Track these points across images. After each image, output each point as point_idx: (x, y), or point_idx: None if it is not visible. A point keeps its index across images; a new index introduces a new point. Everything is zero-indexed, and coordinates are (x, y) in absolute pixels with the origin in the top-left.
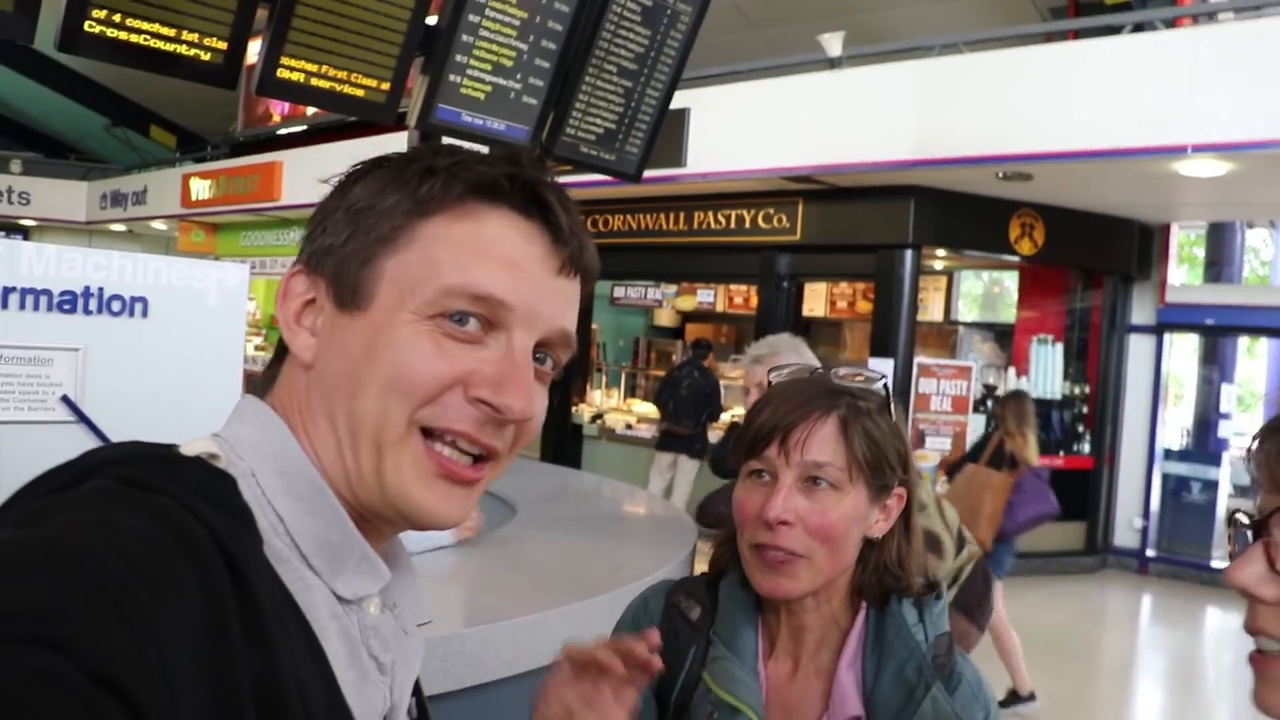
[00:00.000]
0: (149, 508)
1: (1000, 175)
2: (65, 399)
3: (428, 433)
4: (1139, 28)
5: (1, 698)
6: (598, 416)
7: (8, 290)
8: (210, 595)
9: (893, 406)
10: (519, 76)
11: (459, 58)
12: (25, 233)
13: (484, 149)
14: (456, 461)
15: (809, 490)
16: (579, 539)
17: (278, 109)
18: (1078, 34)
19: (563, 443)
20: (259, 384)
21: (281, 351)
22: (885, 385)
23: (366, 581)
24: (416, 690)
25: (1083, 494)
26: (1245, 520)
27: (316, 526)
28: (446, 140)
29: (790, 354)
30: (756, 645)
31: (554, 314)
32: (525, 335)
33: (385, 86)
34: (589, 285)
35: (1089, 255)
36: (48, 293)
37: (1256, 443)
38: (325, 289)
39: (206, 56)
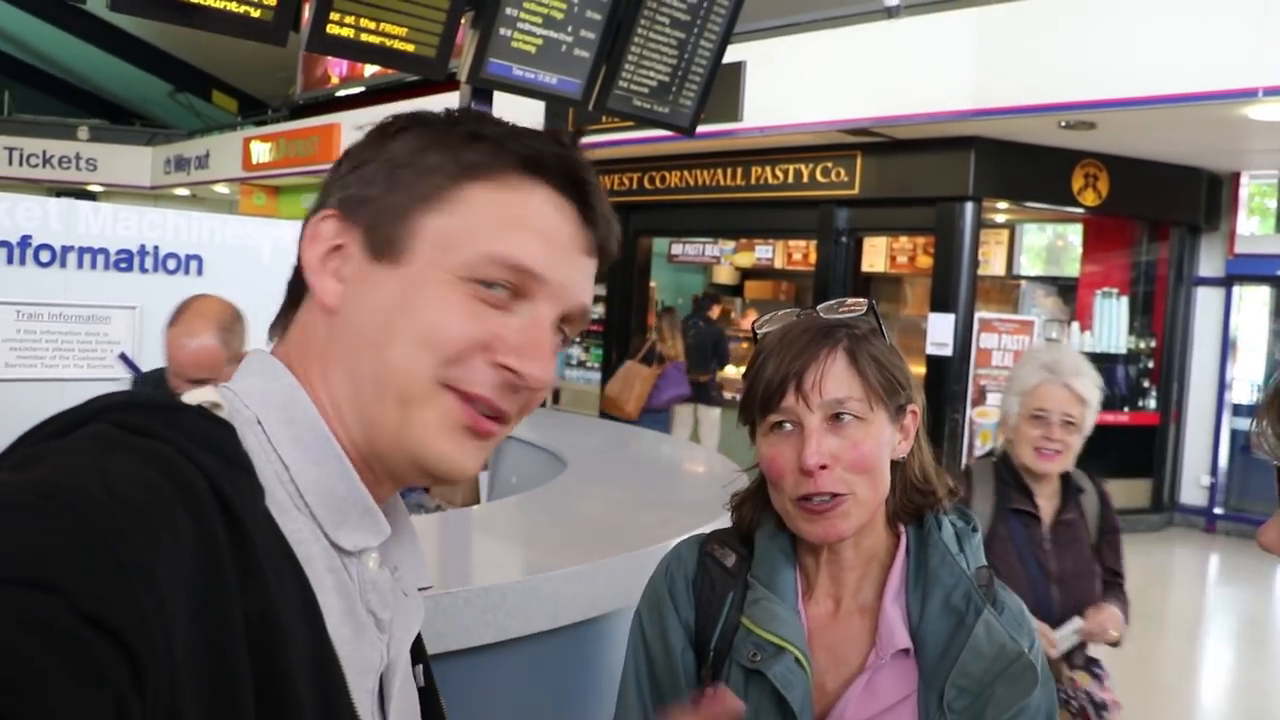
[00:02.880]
0: (145, 452)
1: (1062, 124)
2: (123, 356)
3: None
4: None
5: None
6: None
7: (66, 249)
8: (205, 538)
9: (883, 328)
10: (570, 29)
11: (509, 11)
12: (93, 198)
13: (531, 102)
14: (480, 414)
15: (836, 428)
16: (628, 493)
17: (336, 71)
18: None
19: None
20: (271, 329)
21: (295, 297)
22: (873, 307)
23: (368, 535)
24: (422, 656)
25: (1148, 450)
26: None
27: (321, 476)
28: (500, 94)
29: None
30: (796, 585)
31: (579, 289)
32: (550, 308)
33: (435, 41)
34: (604, 265)
35: (1155, 206)
36: (105, 252)
37: (1264, 399)
38: (359, 238)
39: (256, 13)
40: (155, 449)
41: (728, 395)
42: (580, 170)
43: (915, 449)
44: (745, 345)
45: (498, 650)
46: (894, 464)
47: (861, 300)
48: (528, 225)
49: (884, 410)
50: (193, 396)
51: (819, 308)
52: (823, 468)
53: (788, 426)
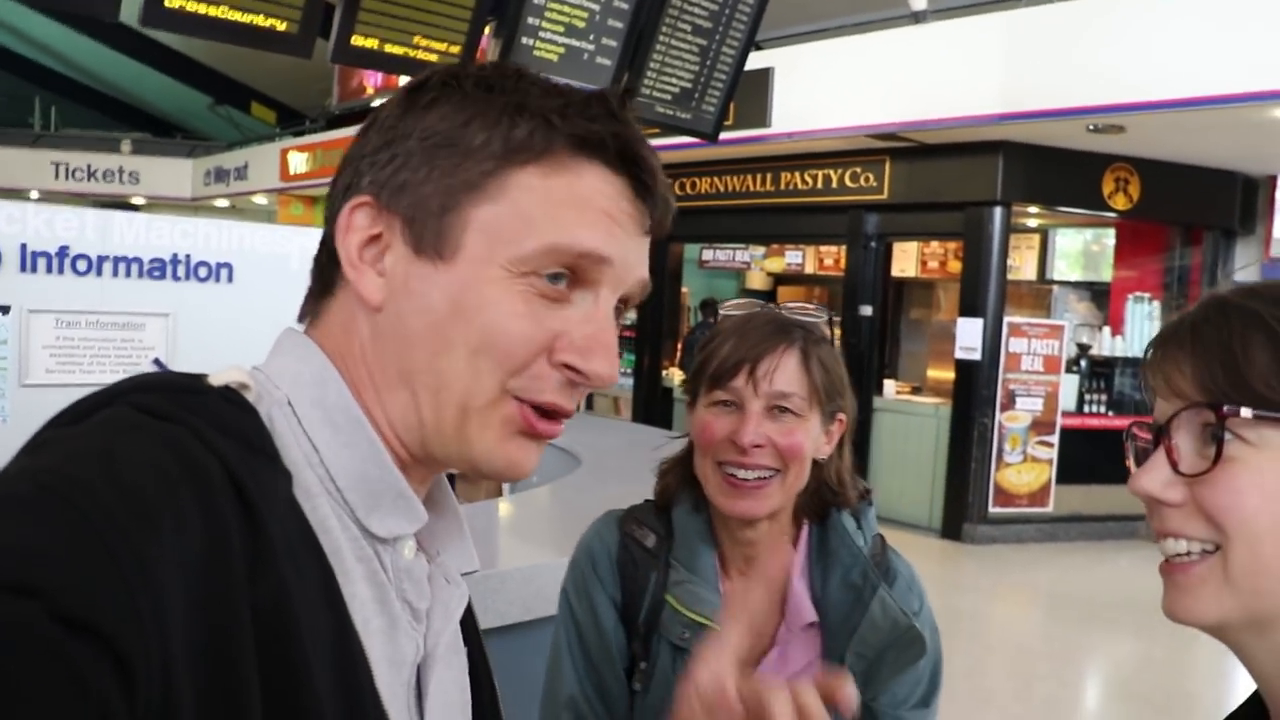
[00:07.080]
0: (160, 436)
1: (1091, 128)
2: (156, 361)
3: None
4: None
5: None
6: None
7: (102, 259)
8: (212, 525)
9: (833, 336)
10: (592, 37)
11: (530, 20)
12: (136, 211)
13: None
14: (539, 418)
15: (775, 416)
16: (638, 490)
17: (371, 81)
18: None
19: (653, 405)
20: (302, 312)
21: (327, 281)
22: (830, 318)
23: (402, 521)
24: (473, 637)
25: None
26: (1143, 433)
27: (353, 460)
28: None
29: None
30: (715, 566)
31: (639, 268)
32: (611, 293)
33: (458, 51)
34: (656, 244)
35: (1188, 210)
36: (139, 260)
37: (1151, 352)
38: (400, 229)
39: (282, 27)
40: (171, 433)
41: None
42: (636, 146)
43: (836, 454)
44: None
45: (497, 634)
46: (813, 463)
47: (822, 307)
48: (587, 207)
49: (819, 412)
50: (220, 377)
51: (783, 306)
52: (757, 447)
53: (730, 405)
